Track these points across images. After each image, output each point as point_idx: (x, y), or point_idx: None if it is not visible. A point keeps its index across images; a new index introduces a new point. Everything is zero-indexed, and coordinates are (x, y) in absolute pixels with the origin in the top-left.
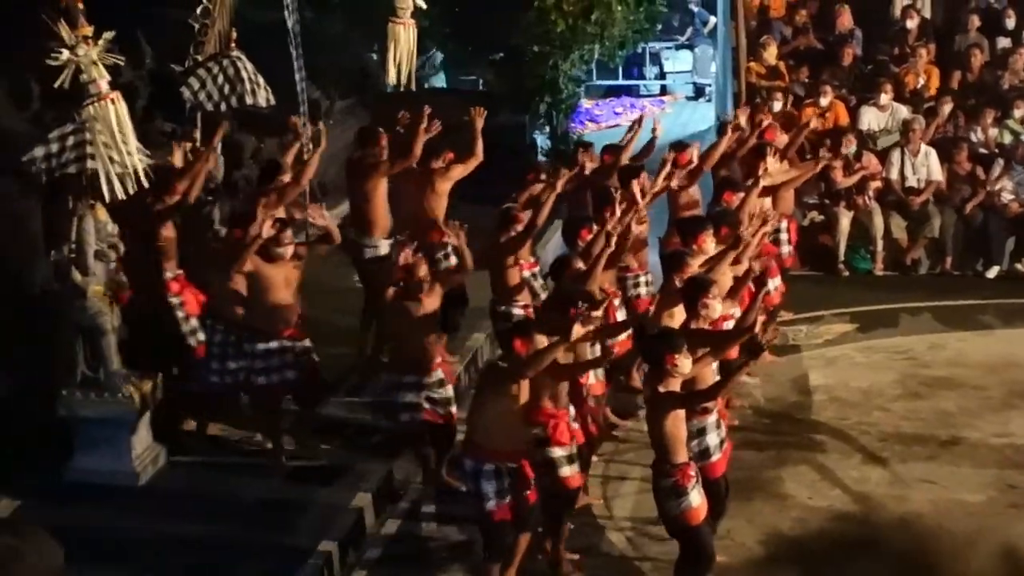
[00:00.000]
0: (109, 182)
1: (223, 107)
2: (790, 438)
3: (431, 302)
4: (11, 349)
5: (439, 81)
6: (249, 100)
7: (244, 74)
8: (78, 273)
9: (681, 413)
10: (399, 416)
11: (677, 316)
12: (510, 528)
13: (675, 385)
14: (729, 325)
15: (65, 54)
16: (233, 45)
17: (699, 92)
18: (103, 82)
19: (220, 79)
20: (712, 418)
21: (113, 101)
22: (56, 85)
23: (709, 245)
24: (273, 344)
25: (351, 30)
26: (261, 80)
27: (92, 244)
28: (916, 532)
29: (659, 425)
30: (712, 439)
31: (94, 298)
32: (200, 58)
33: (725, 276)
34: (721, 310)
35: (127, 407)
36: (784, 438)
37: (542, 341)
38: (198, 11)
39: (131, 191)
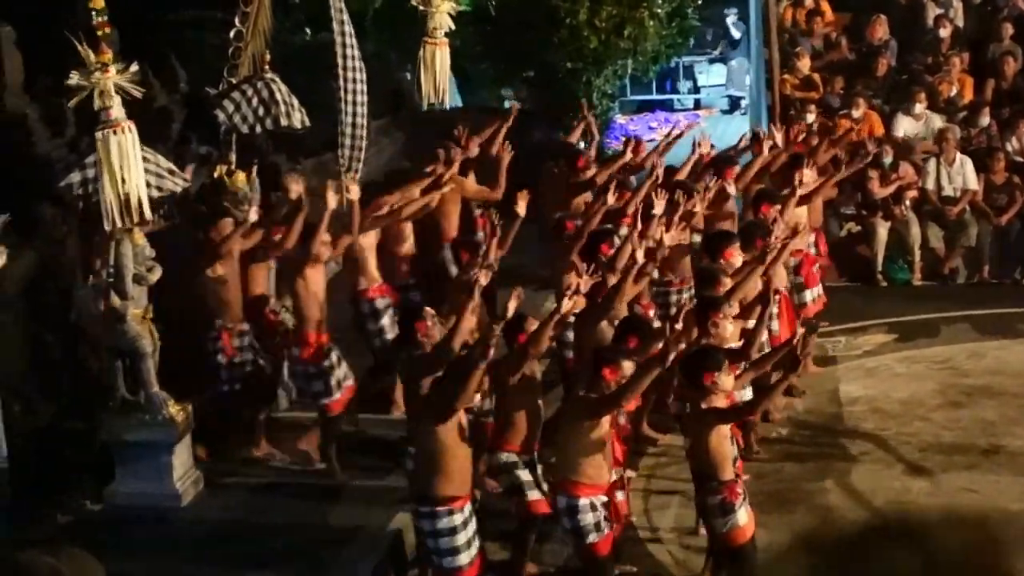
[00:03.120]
0: (111, 210)
1: (258, 129)
2: (830, 449)
3: None
4: (52, 374)
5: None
6: (284, 122)
7: (278, 96)
8: (117, 297)
9: (725, 430)
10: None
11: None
12: (612, 562)
13: (717, 402)
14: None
15: (75, 77)
16: (267, 67)
17: (734, 105)
18: (116, 110)
19: (255, 101)
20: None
21: (123, 131)
22: (70, 106)
23: (736, 259)
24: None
25: (385, 50)
26: (295, 102)
27: (130, 268)
28: (958, 541)
29: (703, 443)
30: None
31: (133, 322)
32: (234, 80)
33: (754, 290)
34: (732, 329)
35: (168, 429)
36: (824, 449)
37: (629, 367)
38: (231, 34)
39: (132, 222)
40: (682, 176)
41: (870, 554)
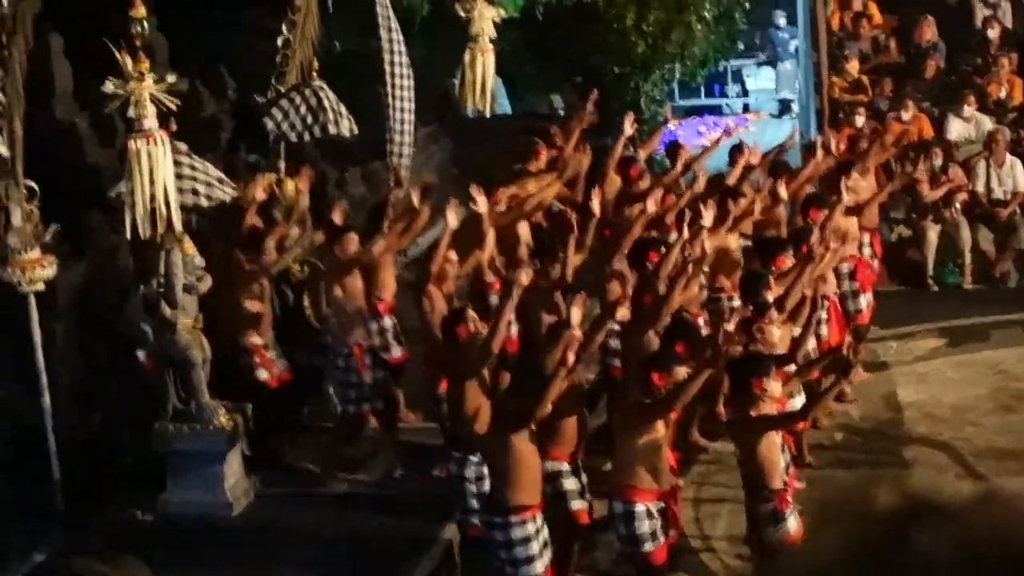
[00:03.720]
0: (135, 217)
1: (306, 137)
2: (883, 455)
3: None
4: (104, 384)
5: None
6: (332, 130)
7: (326, 104)
8: (167, 307)
9: (774, 437)
10: None
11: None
12: (667, 571)
13: (765, 409)
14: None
15: (111, 85)
16: (315, 75)
17: (784, 109)
18: (149, 120)
19: (303, 109)
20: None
21: (156, 141)
22: (106, 112)
23: (787, 266)
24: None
25: (433, 56)
26: (343, 109)
27: (180, 277)
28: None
29: (753, 450)
30: None
31: (183, 331)
32: (282, 89)
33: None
34: (779, 334)
35: (219, 439)
36: (877, 456)
37: (681, 373)
38: (279, 42)
39: (157, 231)
40: (731, 183)
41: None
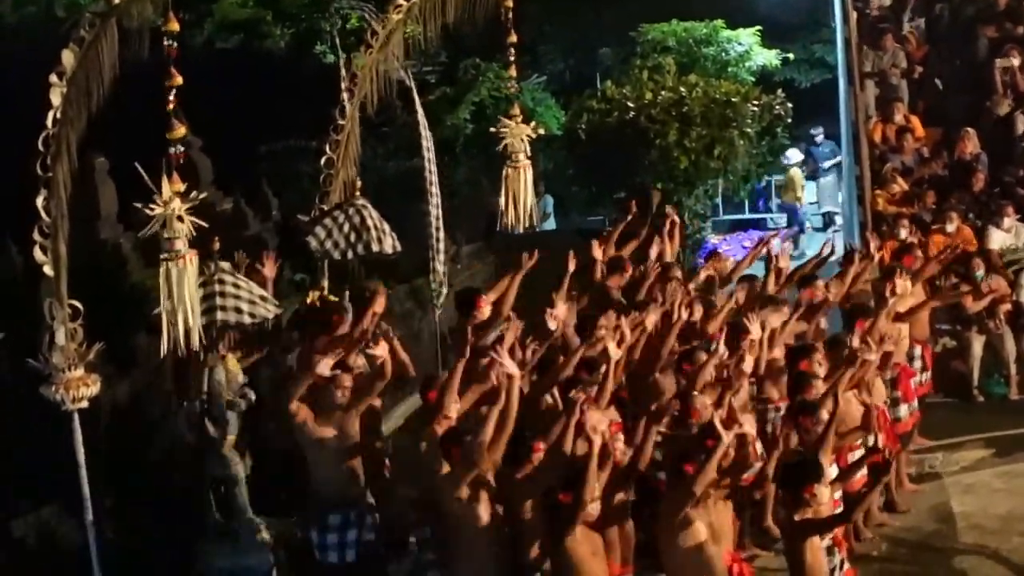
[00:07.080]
0: (164, 337)
1: (350, 255)
2: (930, 568)
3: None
4: (147, 502)
5: (549, 226)
6: (375, 247)
7: (370, 222)
8: (210, 424)
9: (818, 541)
10: None
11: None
12: None
13: (810, 514)
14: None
15: (158, 207)
16: (358, 193)
17: (827, 223)
18: (181, 242)
19: (346, 227)
20: (824, 543)
21: (186, 262)
22: (141, 236)
23: (816, 369)
24: None
25: (476, 175)
26: (387, 227)
27: (223, 395)
28: None
29: (799, 555)
30: None
31: (226, 448)
32: (326, 207)
33: (851, 403)
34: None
35: (263, 555)
36: (924, 568)
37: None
38: (322, 161)
39: (185, 351)
40: (769, 290)
41: None
